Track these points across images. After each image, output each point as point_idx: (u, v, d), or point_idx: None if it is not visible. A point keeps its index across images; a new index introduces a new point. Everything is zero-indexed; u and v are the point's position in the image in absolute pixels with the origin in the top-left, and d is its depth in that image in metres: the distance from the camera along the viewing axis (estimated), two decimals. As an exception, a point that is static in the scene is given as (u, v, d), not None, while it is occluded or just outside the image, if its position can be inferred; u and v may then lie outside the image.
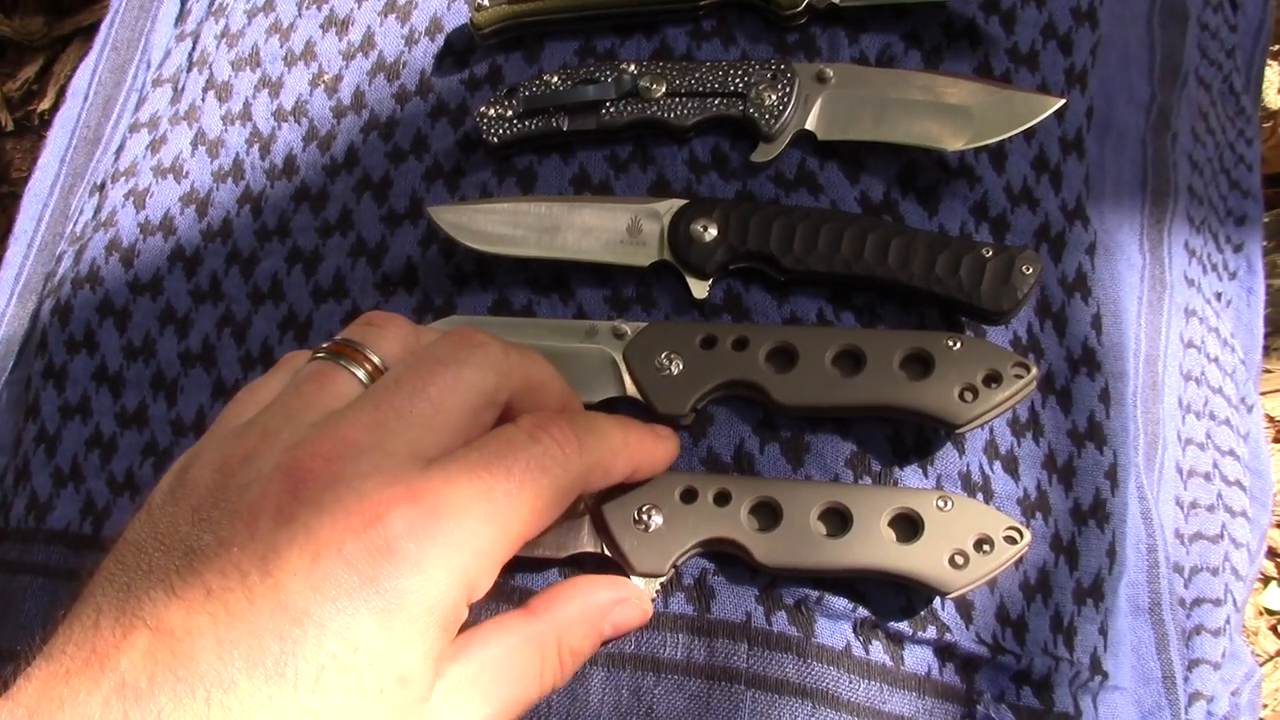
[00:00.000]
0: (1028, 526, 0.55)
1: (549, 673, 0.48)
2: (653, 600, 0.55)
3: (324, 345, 0.50)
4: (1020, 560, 0.58)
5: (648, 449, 0.54)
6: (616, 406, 0.60)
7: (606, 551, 0.55)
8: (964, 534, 0.54)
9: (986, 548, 0.54)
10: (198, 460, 0.46)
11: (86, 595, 0.43)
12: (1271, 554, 1.43)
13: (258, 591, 0.40)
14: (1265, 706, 1.34)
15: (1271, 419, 1.48)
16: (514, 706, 0.47)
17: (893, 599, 0.56)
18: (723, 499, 0.55)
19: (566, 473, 0.47)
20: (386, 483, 0.42)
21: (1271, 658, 1.39)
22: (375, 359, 0.49)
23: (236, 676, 0.39)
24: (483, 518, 0.44)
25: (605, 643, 0.53)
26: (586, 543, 0.56)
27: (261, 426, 0.46)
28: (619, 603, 0.52)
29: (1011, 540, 0.54)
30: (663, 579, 0.55)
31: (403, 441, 0.45)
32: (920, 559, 0.54)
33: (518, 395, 0.50)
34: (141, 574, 0.42)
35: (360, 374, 0.49)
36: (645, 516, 0.55)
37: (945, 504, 0.54)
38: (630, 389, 0.59)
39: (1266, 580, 1.43)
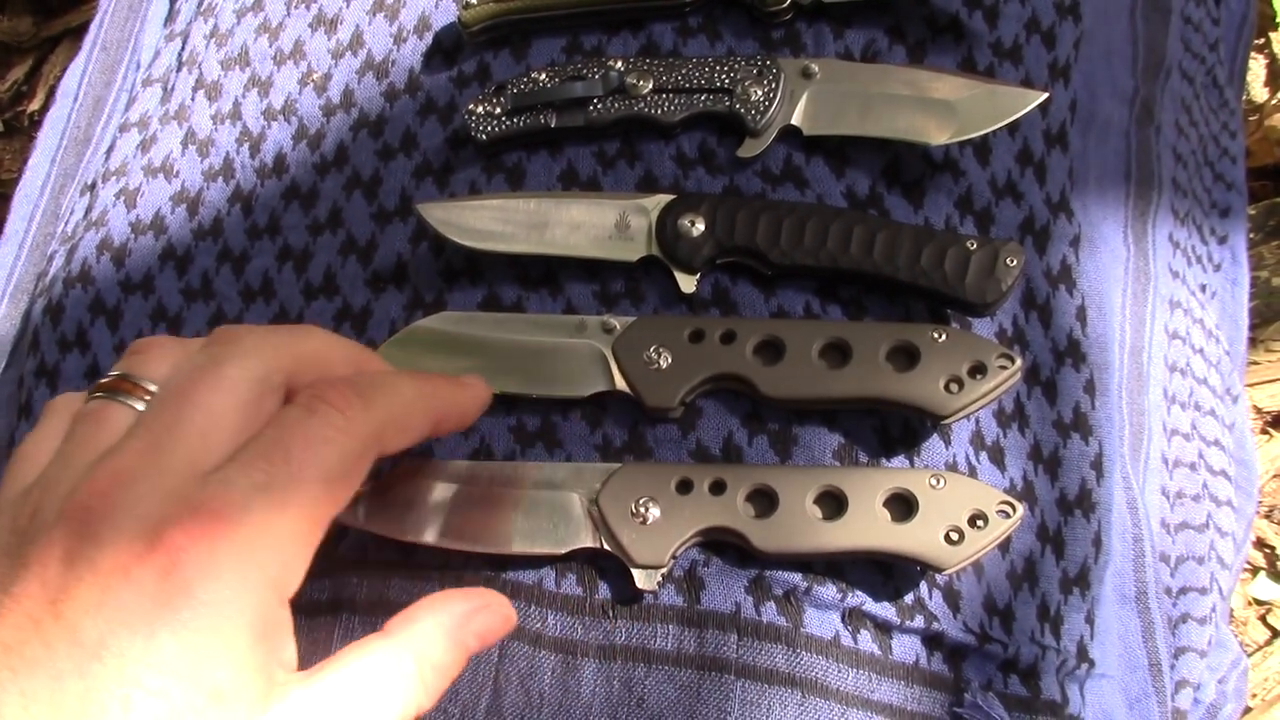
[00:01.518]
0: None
1: (410, 692, 0.46)
2: (656, 591, 0.56)
3: (96, 383, 0.49)
4: (1008, 550, 0.59)
5: (448, 398, 0.53)
6: (606, 401, 0.61)
7: (605, 545, 0.56)
8: (958, 511, 0.54)
9: (980, 523, 0.54)
10: None
11: None
12: (1259, 544, 1.44)
13: (53, 635, 0.39)
14: (1254, 695, 1.35)
15: (1258, 410, 1.49)
16: None
17: (881, 587, 0.57)
18: (718, 488, 0.56)
19: (352, 436, 0.46)
20: (166, 502, 0.41)
21: (1261, 647, 1.40)
22: (147, 384, 0.48)
23: None
24: (268, 511, 0.42)
25: (475, 654, 0.51)
26: (586, 538, 0.56)
27: (44, 481, 0.45)
28: (478, 611, 0.50)
29: (1005, 514, 0.54)
30: (663, 570, 0.55)
31: (179, 457, 0.43)
32: (916, 538, 0.54)
33: (296, 373, 0.48)
34: None
35: (135, 404, 0.47)
36: (643, 509, 0.56)
37: (938, 482, 0.55)
38: (619, 383, 0.59)
39: (1255, 570, 1.44)
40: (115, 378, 0.49)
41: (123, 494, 0.42)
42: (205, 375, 0.46)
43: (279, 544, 0.42)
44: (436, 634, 0.47)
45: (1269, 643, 1.40)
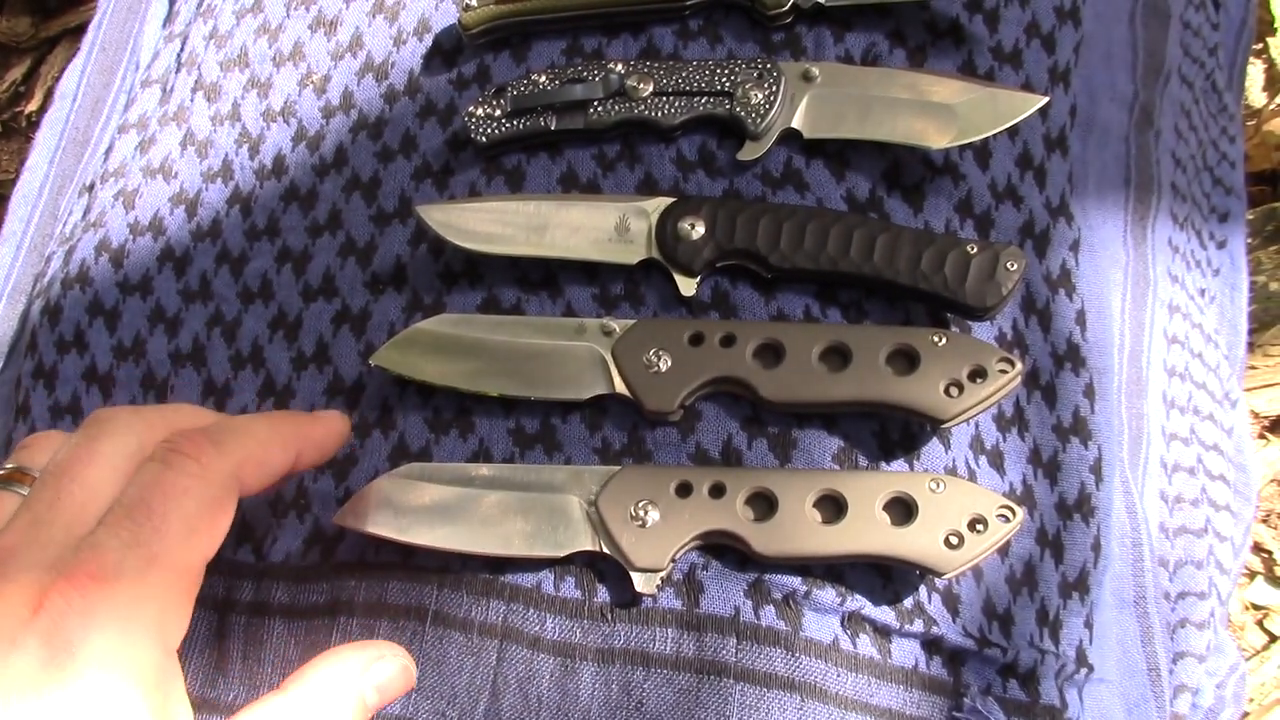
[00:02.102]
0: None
1: None
2: (655, 594, 0.55)
3: None
4: (1007, 554, 0.59)
5: (304, 433, 0.55)
6: (606, 403, 0.60)
7: (604, 548, 0.56)
8: (958, 515, 0.54)
9: (980, 527, 0.54)
10: None
11: None
12: (1257, 549, 1.44)
13: None
14: (1251, 700, 1.34)
15: (1256, 415, 1.49)
16: None
17: (880, 591, 0.57)
18: (718, 491, 0.56)
19: (209, 482, 0.48)
20: (47, 572, 0.44)
21: (1258, 652, 1.40)
22: (34, 473, 0.51)
23: None
24: (139, 566, 0.45)
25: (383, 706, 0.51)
26: (585, 541, 0.56)
27: None
28: (374, 662, 0.50)
29: (1004, 519, 0.54)
30: (662, 573, 0.55)
31: (58, 529, 0.46)
32: (916, 542, 0.54)
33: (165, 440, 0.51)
34: None
35: (23, 490, 0.50)
36: (642, 512, 0.56)
37: (938, 486, 0.55)
38: (619, 386, 0.59)
39: (1253, 575, 1.44)
40: (8, 470, 0.52)
41: (7, 568, 0.44)
42: (81, 453, 0.49)
43: (154, 596, 0.45)
44: (331, 689, 0.48)
45: (1266, 648, 1.40)
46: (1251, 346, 1.45)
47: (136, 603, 0.44)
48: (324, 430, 0.56)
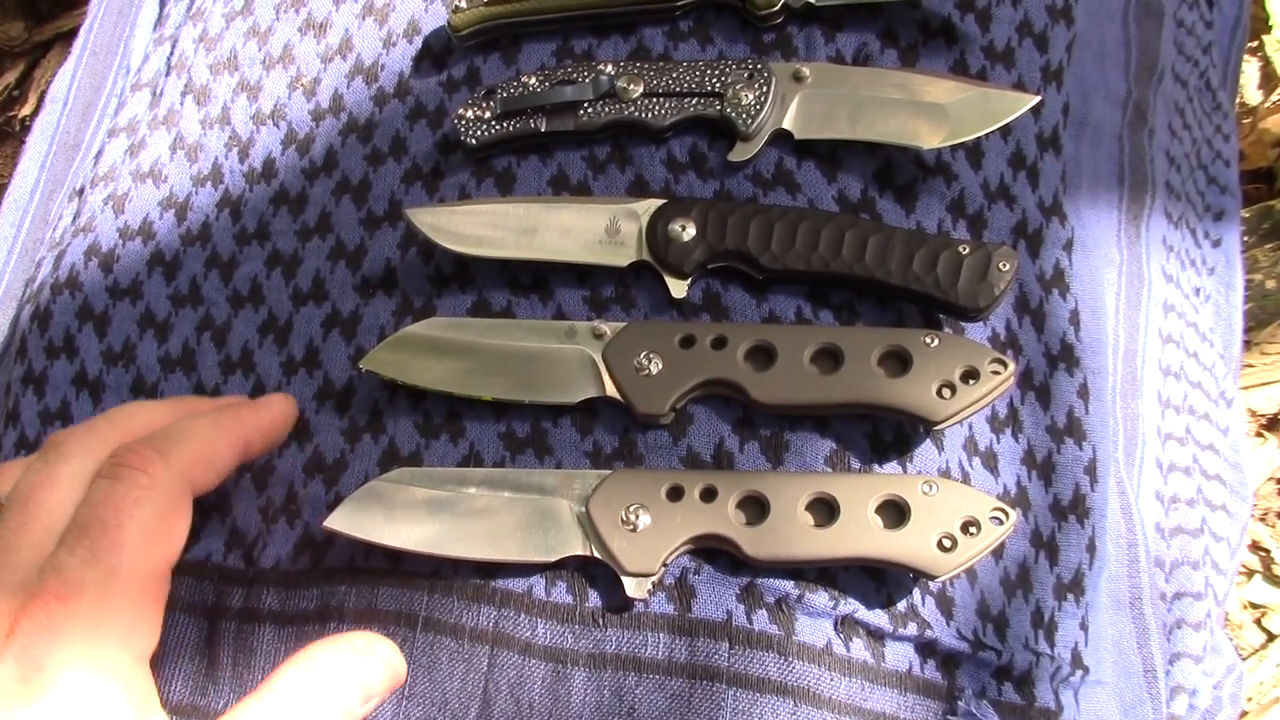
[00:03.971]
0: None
1: None
2: (646, 599, 0.55)
3: None
4: (1001, 556, 0.59)
5: (249, 424, 0.57)
6: (596, 407, 0.60)
7: (595, 553, 0.55)
8: (950, 517, 0.54)
9: (973, 530, 0.54)
10: None
11: None
12: (1255, 548, 1.44)
13: None
14: (1249, 699, 1.34)
15: (1253, 413, 1.48)
16: None
17: (873, 595, 0.56)
18: (709, 495, 0.56)
19: (160, 489, 0.50)
20: (14, 595, 0.46)
21: (1256, 651, 1.39)
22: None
23: None
24: (100, 580, 0.46)
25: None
26: (576, 546, 0.56)
27: None
28: (358, 661, 0.50)
29: (998, 521, 0.54)
30: (654, 578, 0.55)
31: (25, 552, 0.48)
32: (909, 545, 0.54)
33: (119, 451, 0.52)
34: None
35: None
36: (633, 516, 0.55)
37: (930, 488, 0.55)
38: (610, 389, 0.59)
39: (1251, 574, 1.44)
40: None
41: None
42: (41, 478, 0.51)
43: (118, 606, 0.46)
44: (305, 691, 0.48)
45: (1264, 646, 1.40)
46: (1248, 344, 1.44)
47: (101, 615, 0.46)
48: (269, 417, 0.58)
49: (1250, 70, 1.62)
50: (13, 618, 0.45)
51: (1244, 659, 1.37)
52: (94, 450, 0.52)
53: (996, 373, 0.56)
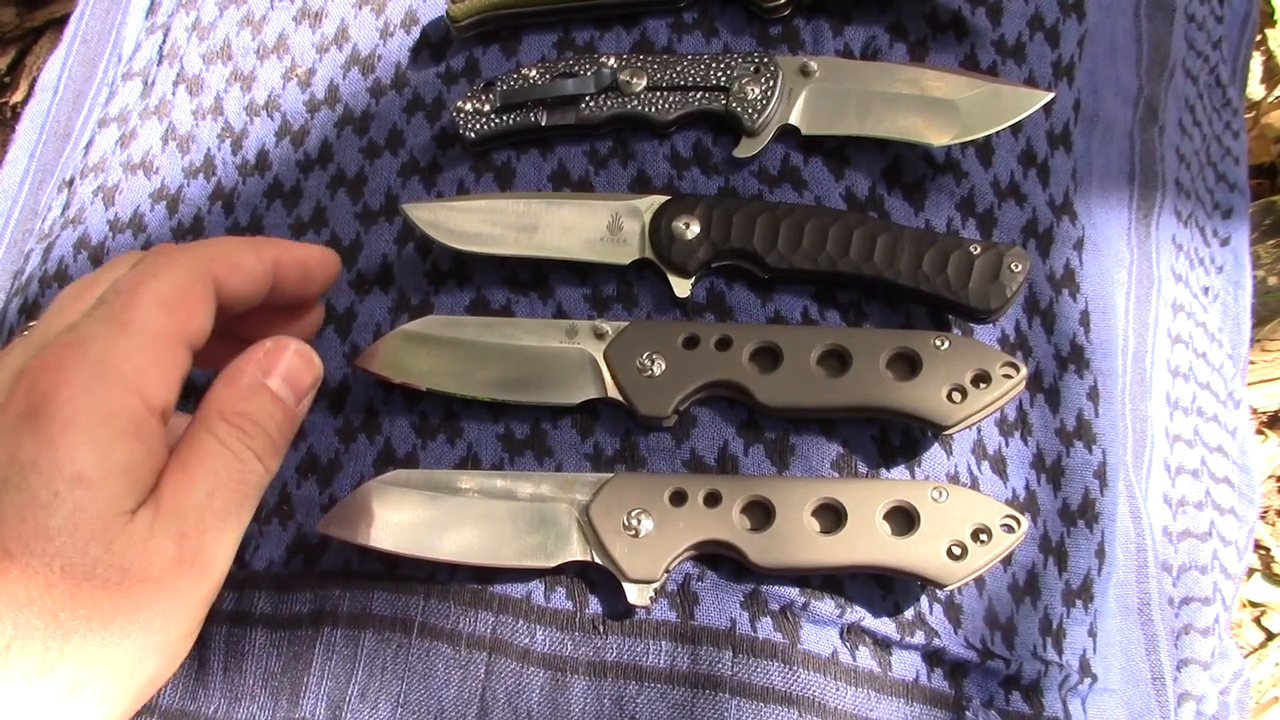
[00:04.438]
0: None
1: (232, 442, 0.49)
2: (648, 606, 0.54)
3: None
4: (1009, 562, 0.58)
5: (280, 244, 0.55)
6: (597, 408, 0.59)
7: (596, 558, 0.54)
8: (961, 525, 0.53)
9: (984, 537, 0.53)
10: None
11: None
12: (1256, 546, 1.43)
13: None
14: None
15: (1254, 410, 1.48)
16: (223, 483, 0.48)
17: (880, 602, 0.55)
18: (713, 500, 0.54)
19: (177, 267, 0.49)
20: (31, 354, 0.46)
21: (1255, 649, 1.39)
22: None
23: None
24: (111, 330, 0.46)
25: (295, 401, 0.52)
26: (576, 551, 0.55)
27: None
28: (266, 356, 0.51)
29: (1009, 529, 0.53)
30: (656, 584, 0.54)
31: (44, 325, 0.49)
32: (918, 553, 0.53)
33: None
34: None
35: None
36: (635, 522, 0.54)
37: (940, 495, 0.53)
38: (611, 390, 0.58)
39: (1251, 572, 1.43)
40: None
41: (4, 360, 0.48)
42: (86, 279, 0.52)
43: (128, 353, 0.46)
44: (230, 390, 0.50)
45: (1264, 645, 1.40)
46: (1253, 341, 1.44)
47: (109, 358, 0.46)
48: (304, 250, 0.56)
49: (1254, 65, 1.61)
50: (24, 367, 0.45)
51: (1244, 657, 1.37)
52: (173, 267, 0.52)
53: (1008, 376, 0.55)
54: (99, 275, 0.52)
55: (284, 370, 0.52)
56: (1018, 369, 0.55)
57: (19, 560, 0.43)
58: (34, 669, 0.43)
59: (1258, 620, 1.43)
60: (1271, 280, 1.47)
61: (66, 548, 0.43)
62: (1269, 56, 1.63)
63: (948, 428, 0.55)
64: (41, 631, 0.43)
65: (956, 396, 0.55)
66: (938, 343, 0.56)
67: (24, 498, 0.43)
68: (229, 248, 0.53)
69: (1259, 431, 1.48)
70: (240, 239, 0.54)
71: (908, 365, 0.56)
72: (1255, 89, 1.62)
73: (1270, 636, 1.41)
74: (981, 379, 0.55)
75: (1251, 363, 1.45)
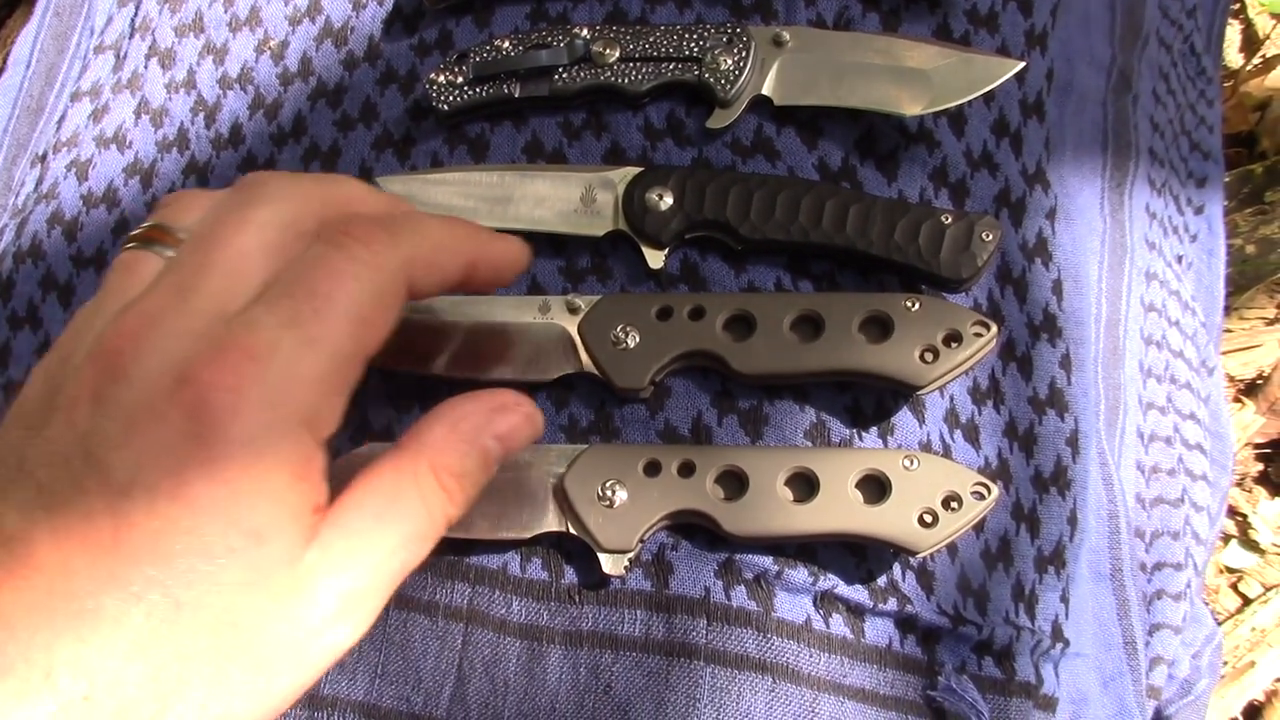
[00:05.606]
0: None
1: (434, 503, 0.45)
2: (623, 575, 0.54)
3: (128, 235, 0.48)
4: (982, 529, 0.58)
5: (482, 243, 0.50)
6: (573, 380, 0.59)
7: (571, 529, 0.55)
8: (932, 492, 0.53)
9: (955, 505, 0.53)
10: (29, 381, 0.44)
11: None
12: (1232, 513, 1.44)
13: (81, 474, 0.39)
14: (1225, 663, 1.35)
15: (1231, 378, 1.48)
16: (408, 545, 0.44)
17: (853, 570, 0.56)
18: (687, 470, 0.55)
19: (379, 270, 0.44)
20: (194, 343, 0.40)
21: (1232, 615, 1.40)
22: (178, 233, 0.47)
23: (74, 562, 0.38)
24: (296, 345, 0.41)
25: (503, 458, 0.48)
26: (551, 522, 0.55)
27: (73, 329, 0.44)
28: (493, 413, 0.47)
29: (979, 496, 0.53)
30: (631, 554, 0.54)
31: (206, 298, 0.42)
32: (889, 520, 0.53)
33: (325, 218, 0.46)
34: None
35: (166, 252, 0.46)
36: (609, 492, 0.54)
37: (912, 463, 0.54)
38: (588, 364, 0.58)
39: (1228, 539, 1.44)
40: (147, 228, 0.48)
41: (150, 335, 0.41)
42: (232, 218, 0.44)
43: (309, 381, 0.41)
44: (450, 439, 0.46)
45: (1240, 611, 1.41)
46: (1227, 310, 1.44)
47: (290, 386, 0.41)
48: (504, 248, 0.51)
49: (1231, 33, 1.61)
50: (188, 367, 0.40)
51: (1220, 623, 1.38)
52: (295, 202, 0.46)
53: (979, 335, 0.55)
54: (259, 194, 0.45)
55: (508, 433, 0.48)
56: (989, 327, 0.55)
57: (188, 613, 0.39)
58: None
59: (1234, 586, 1.44)
60: (1249, 249, 1.48)
61: (237, 603, 0.39)
62: (1247, 25, 1.64)
63: (921, 388, 0.55)
64: (203, 686, 0.39)
65: (929, 357, 0.55)
66: (909, 304, 0.56)
67: (198, 546, 0.39)
68: (429, 244, 0.47)
69: (1236, 399, 1.49)
70: (441, 224, 0.49)
71: (880, 328, 0.56)
72: (1234, 57, 1.62)
73: (1247, 602, 1.42)
74: (953, 339, 0.55)
75: (1229, 331, 1.46)
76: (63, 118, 0.75)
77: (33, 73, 0.83)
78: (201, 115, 0.71)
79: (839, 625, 0.55)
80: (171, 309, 0.41)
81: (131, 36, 0.74)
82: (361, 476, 0.44)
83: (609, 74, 0.64)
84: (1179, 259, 0.81)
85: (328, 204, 0.47)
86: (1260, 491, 1.46)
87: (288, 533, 0.40)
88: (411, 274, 0.46)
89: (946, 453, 0.59)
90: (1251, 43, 1.62)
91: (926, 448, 0.58)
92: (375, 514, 0.43)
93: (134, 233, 0.48)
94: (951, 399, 0.60)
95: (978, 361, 0.56)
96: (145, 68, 0.73)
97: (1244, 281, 1.48)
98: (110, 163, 0.71)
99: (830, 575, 0.55)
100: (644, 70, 0.63)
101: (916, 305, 0.56)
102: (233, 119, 0.70)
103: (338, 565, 0.41)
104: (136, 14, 0.75)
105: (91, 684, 0.37)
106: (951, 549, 0.57)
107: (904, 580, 0.56)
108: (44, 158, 0.74)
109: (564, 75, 0.64)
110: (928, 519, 0.53)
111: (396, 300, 0.45)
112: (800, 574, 0.54)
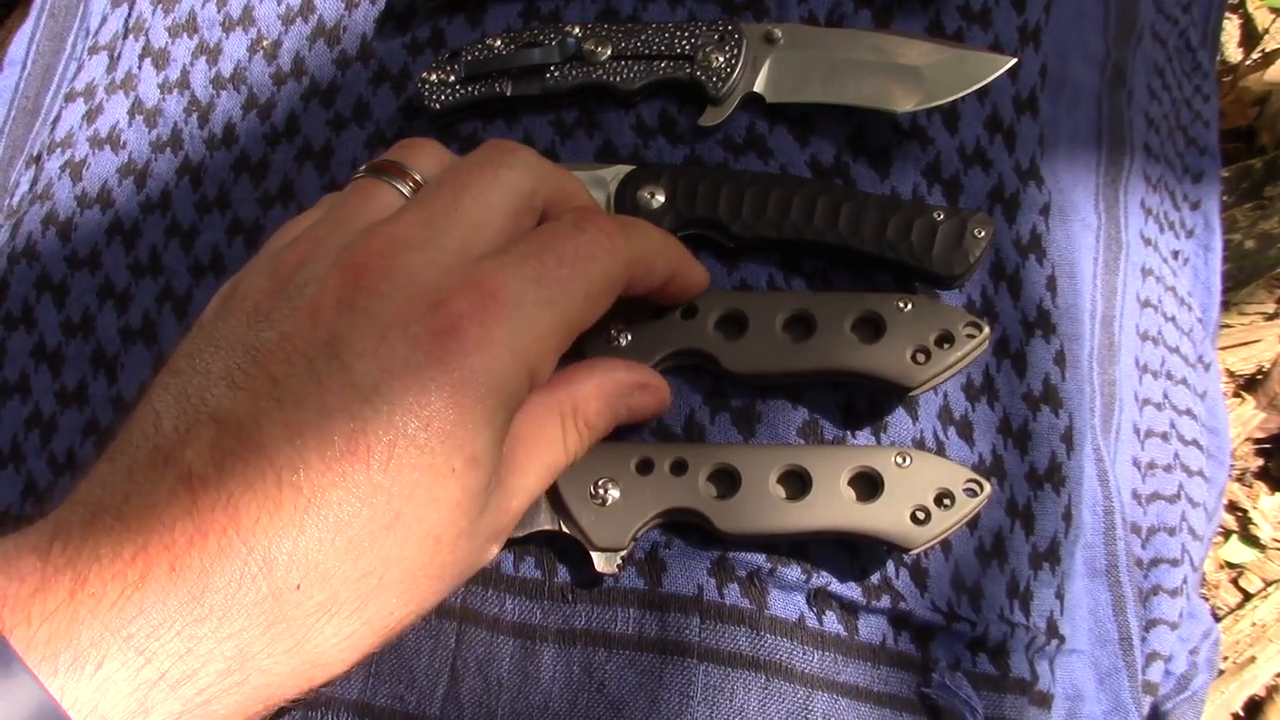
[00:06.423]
0: None
1: (570, 441, 0.50)
2: (616, 573, 0.54)
3: (362, 167, 0.51)
4: (976, 526, 0.58)
5: (685, 261, 0.54)
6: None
7: (564, 528, 0.55)
8: (924, 489, 0.53)
9: (947, 502, 0.53)
10: (247, 276, 0.46)
11: (143, 405, 0.43)
12: (1232, 508, 1.44)
13: (324, 374, 0.40)
14: (1225, 658, 1.35)
15: (1230, 373, 1.48)
16: (548, 473, 0.49)
17: (847, 568, 0.56)
18: (680, 468, 0.55)
19: (614, 260, 0.48)
20: (444, 272, 0.43)
21: (1232, 610, 1.40)
22: (415, 174, 0.50)
23: (308, 457, 0.39)
24: (539, 302, 0.44)
25: (623, 425, 0.54)
26: (544, 521, 0.55)
27: (310, 237, 0.46)
28: (637, 386, 0.53)
29: (972, 493, 0.53)
30: (623, 552, 0.54)
31: (453, 238, 0.45)
32: (882, 517, 0.53)
33: (551, 201, 0.50)
34: (200, 376, 0.42)
35: (403, 188, 0.49)
36: (602, 490, 0.54)
37: (904, 460, 0.54)
38: None
39: (1227, 534, 1.44)
40: (384, 162, 0.51)
41: (401, 258, 0.43)
42: (485, 172, 0.48)
43: (542, 336, 0.44)
44: (594, 393, 0.51)
45: (1240, 606, 1.41)
46: (1226, 305, 1.44)
47: (527, 335, 0.44)
48: (698, 270, 0.56)
49: (1230, 28, 1.61)
50: (440, 295, 0.42)
51: (1220, 619, 1.38)
52: (538, 177, 0.49)
53: (971, 336, 0.55)
54: (510, 159, 0.49)
55: (640, 407, 0.54)
56: (981, 328, 0.55)
57: (403, 524, 0.41)
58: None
59: (1234, 581, 1.44)
60: (1248, 244, 1.48)
61: (445, 520, 0.42)
62: (1246, 20, 1.63)
63: (913, 389, 0.55)
64: (396, 592, 0.42)
65: (920, 358, 0.55)
66: (901, 304, 0.56)
67: (426, 463, 0.41)
68: (650, 249, 0.51)
69: (1235, 394, 1.49)
70: (659, 233, 0.53)
71: (872, 328, 0.56)
72: (1233, 52, 1.62)
73: (1247, 597, 1.42)
74: (945, 339, 0.55)
75: (1228, 326, 1.46)
76: (57, 118, 0.75)
77: (29, 74, 0.83)
78: (195, 115, 0.71)
79: (832, 622, 0.55)
80: (421, 240, 0.44)
81: (125, 37, 0.75)
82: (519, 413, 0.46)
83: (601, 72, 0.63)
84: (1175, 254, 0.81)
85: (558, 190, 0.51)
86: (1260, 487, 1.46)
87: (494, 461, 0.44)
88: (633, 271, 0.49)
89: (940, 449, 0.59)
90: (1250, 37, 1.62)
91: (920, 444, 0.58)
92: (531, 443, 0.47)
93: (371, 163, 0.51)
94: (945, 396, 0.60)
95: (970, 362, 0.56)
96: (139, 68, 0.73)
97: (1243, 276, 1.48)
98: (104, 163, 0.71)
99: (823, 573, 0.55)
100: (636, 68, 0.63)
101: (909, 305, 0.56)
102: (226, 119, 0.70)
103: (513, 490, 0.46)
104: (130, 14, 0.75)
105: (304, 576, 0.39)
106: (945, 546, 0.57)
107: (897, 577, 0.56)
108: (39, 158, 0.74)
109: (556, 74, 0.64)
110: (920, 516, 0.53)
111: (618, 290, 0.49)
112: (793, 571, 0.54)
